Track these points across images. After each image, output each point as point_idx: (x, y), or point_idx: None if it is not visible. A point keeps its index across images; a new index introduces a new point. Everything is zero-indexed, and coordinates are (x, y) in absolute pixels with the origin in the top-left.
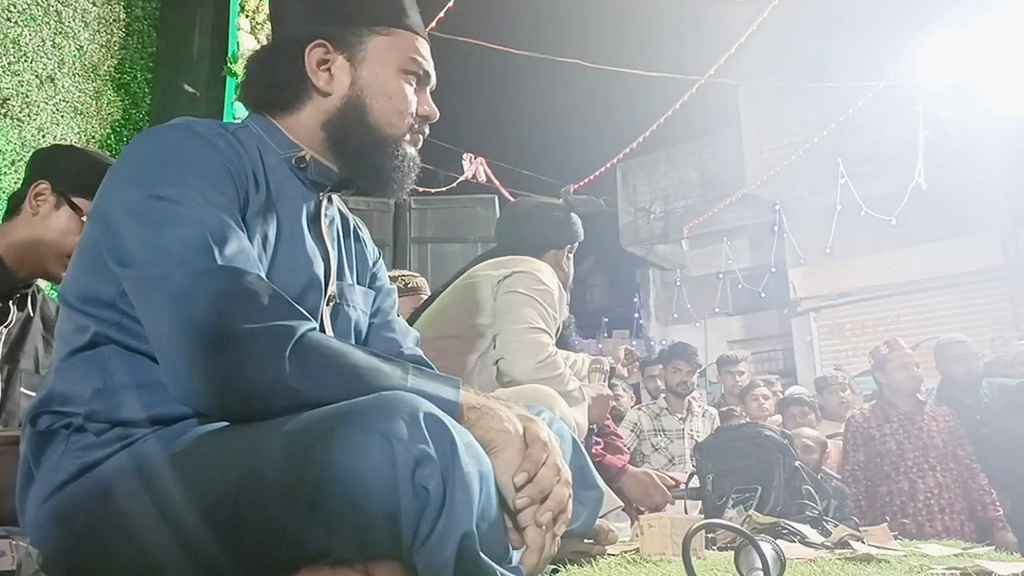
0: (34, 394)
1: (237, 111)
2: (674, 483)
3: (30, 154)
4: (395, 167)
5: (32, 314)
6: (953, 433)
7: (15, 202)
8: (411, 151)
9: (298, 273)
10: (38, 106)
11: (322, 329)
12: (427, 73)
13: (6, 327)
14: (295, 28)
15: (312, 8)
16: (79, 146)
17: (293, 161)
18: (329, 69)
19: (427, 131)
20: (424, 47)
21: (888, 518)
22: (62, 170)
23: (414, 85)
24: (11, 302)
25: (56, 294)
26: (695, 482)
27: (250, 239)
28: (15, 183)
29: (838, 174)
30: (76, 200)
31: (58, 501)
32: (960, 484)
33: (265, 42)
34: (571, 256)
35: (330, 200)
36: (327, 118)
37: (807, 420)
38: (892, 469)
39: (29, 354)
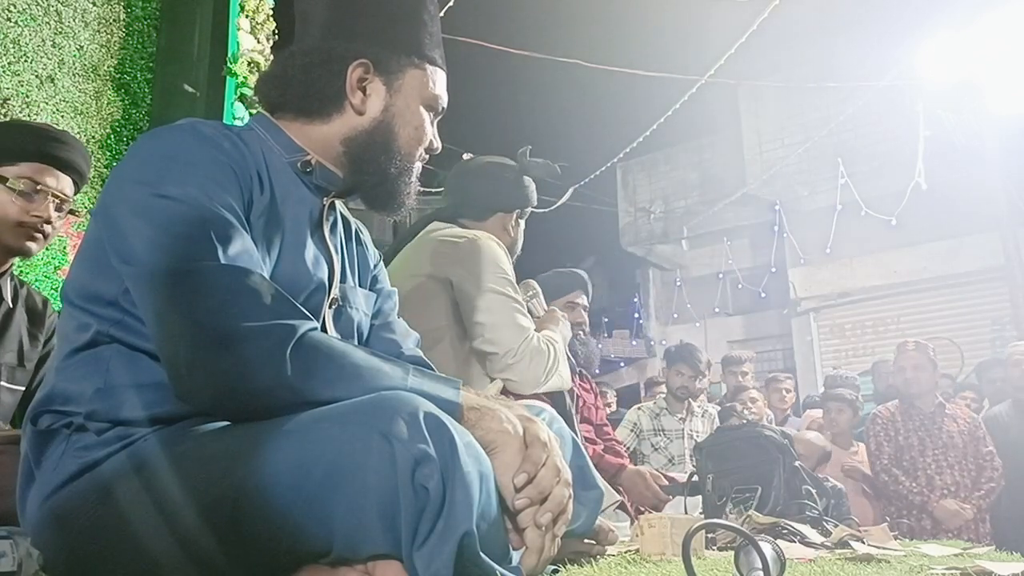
0: (17, 388)
1: (237, 111)
2: (668, 483)
3: None
4: (407, 192)
5: (12, 306)
6: (972, 434)
7: None
8: (414, 177)
9: (302, 275)
10: (38, 106)
11: (324, 330)
12: (443, 109)
13: None
14: (337, 41)
15: (359, 26)
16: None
17: (299, 165)
18: (364, 89)
19: (427, 159)
20: (444, 84)
21: (906, 513)
22: None
23: (431, 117)
24: None
25: (48, 290)
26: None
27: (254, 240)
28: None
29: (838, 174)
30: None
31: (59, 500)
32: (976, 485)
33: (266, 42)
34: (521, 222)
35: (332, 205)
36: (353, 135)
37: (843, 417)
38: (911, 465)
39: (11, 347)
